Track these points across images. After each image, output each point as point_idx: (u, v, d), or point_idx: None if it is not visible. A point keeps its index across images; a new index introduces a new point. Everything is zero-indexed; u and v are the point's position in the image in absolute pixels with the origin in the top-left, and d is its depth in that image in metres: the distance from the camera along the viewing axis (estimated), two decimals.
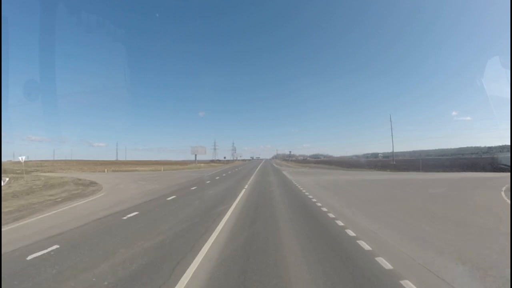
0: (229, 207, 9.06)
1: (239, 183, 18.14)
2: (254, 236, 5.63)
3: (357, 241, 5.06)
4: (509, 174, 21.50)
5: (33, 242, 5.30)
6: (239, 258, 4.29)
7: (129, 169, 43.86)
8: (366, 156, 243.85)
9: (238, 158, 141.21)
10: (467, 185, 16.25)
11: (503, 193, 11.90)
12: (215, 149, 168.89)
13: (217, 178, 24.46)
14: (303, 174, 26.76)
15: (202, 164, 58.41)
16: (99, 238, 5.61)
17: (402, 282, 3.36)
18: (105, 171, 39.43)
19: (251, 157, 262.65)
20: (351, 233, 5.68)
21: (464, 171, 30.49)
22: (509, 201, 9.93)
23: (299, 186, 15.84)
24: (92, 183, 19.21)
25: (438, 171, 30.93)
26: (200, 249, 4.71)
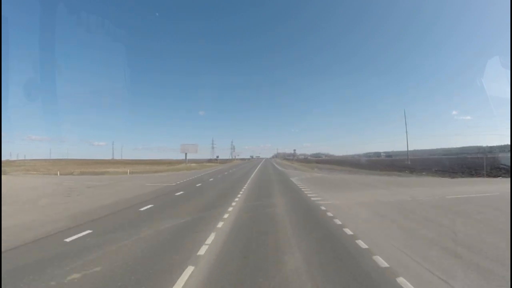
0: None
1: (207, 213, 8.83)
2: None
3: None
4: None
5: None
6: None
7: (102, 170, 38.31)
8: (368, 155, 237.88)
9: (236, 157, 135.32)
10: None
11: None
12: (213, 147, 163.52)
13: (180, 193, 13.89)
14: (326, 186, 15.79)
15: (193, 164, 52.85)
16: None
17: None
18: (71, 173, 34.04)
19: (250, 156, 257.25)
20: None
21: None
22: None
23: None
24: None
25: (474, 175, 24.99)
26: None
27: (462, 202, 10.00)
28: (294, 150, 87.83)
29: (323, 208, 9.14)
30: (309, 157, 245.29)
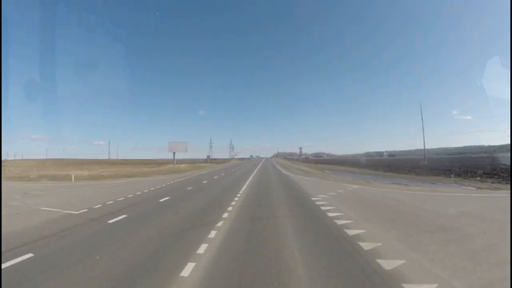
0: None
1: None
2: None
3: None
4: None
5: None
6: None
7: (64, 173, 31.49)
8: (369, 155, 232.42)
9: (235, 157, 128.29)
10: None
11: None
12: (210, 147, 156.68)
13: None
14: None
15: (183, 165, 46.08)
16: None
17: None
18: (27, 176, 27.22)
19: (250, 156, 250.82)
20: None
21: None
22: None
23: None
24: None
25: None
26: None
27: None
28: (300, 148, 76.59)
29: None
30: (310, 157, 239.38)
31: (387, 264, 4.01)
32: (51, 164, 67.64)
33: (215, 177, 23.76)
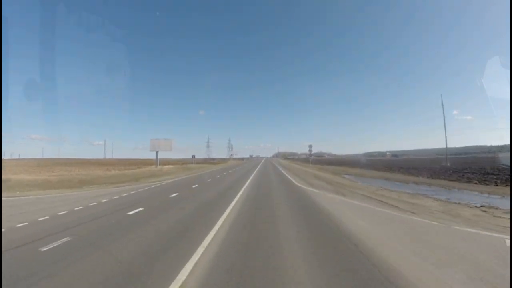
0: None
1: None
2: None
3: None
4: None
5: None
6: None
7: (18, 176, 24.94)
8: (371, 154, 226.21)
9: (233, 157, 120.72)
10: None
11: None
12: (208, 146, 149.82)
13: None
14: None
15: (167, 167, 38.96)
16: None
17: None
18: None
19: (250, 156, 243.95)
20: None
21: None
22: None
23: None
24: None
25: None
26: None
27: None
28: (310, 147, 43.40)
29: None
30: (311, 157, 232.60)
31: None
32: (44, 164, 61.21)
33: (199, 185, 16.69)
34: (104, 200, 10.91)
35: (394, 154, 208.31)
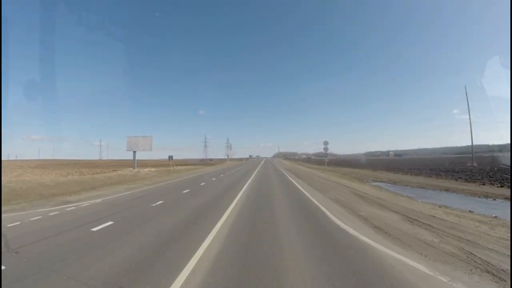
0: None
1: None
2: None
3: None
4: None
5: None
6: None
7: None
8: (374, 154, 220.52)
9: (229, 157, 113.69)
10: None
11: None
12: (205, 146, 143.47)
13: None
14: None
15: (147, 170, 32.26)
16: None
17: None
18: None
19: (249, 156, 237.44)
20: None
21: None
22: None
23: None
24: None
25: None
26: None
27: None
28: (326, 144, 25.70)
29: None
30: (312, 157, 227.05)
31: None
32: (38, 165, 55.49)
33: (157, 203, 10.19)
34: None
35: (398, 154, 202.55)
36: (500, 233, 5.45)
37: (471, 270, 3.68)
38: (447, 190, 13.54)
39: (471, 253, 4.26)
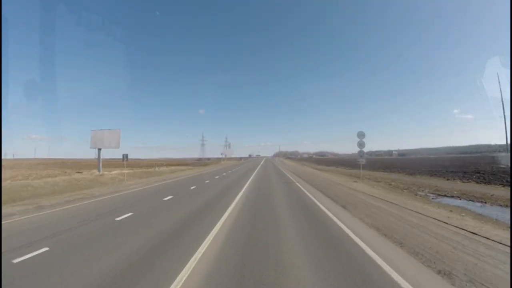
0: None
1: None
2: None
3: None
4: None
5: None
6: None
7: None
8: (377, 154, 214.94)
9: (228, 156, 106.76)
10: None
11: None
12: (202, 144, 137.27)
13: None
14: None
15: (116, 173, 25.66)
16: None
17: None
18: None
19: (249, 155, 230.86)
20: None
21: None
22: None
23: None
24: None
25: None
26: None
27: None
28: (361, 136, 13.81)
29: None
30: (313, 156, 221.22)
31: None
32: (24, 165, 49.86)
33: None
34: None
35: (401, 154, 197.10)
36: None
37: None
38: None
39: None
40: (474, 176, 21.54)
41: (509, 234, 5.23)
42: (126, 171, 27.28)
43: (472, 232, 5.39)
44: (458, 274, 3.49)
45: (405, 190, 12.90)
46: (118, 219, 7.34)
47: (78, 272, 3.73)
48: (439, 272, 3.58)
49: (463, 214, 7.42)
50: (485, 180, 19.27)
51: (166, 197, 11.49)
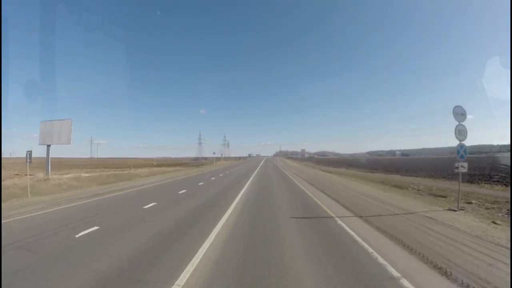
0: None
1: None
2: None
3: None
4: None
5: None
6: None
7: None
8: (379, 153, 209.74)
9: (226, 156, 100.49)
10: None
11: None
12: (200, 143, 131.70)
13: None
14: None
15: (68, 177, 19.84)
16: None
17: None
18: None
19: (248, 155, 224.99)
20: None
21: None
22: None
23: None
24: None
25: None
26: None
27: None
28: (460, 115, 6.57)
29: None
30: (314, 156, 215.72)
31: None
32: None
33: None
34: None
35: (404, 154, 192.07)
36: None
37: None
38: None
39: None
40: None
41: None
42: (86, 174, 21.57)
43: None
44: None
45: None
46: None
47: None
48: None
49: None
50: None
51: (85, 231, 5.87)
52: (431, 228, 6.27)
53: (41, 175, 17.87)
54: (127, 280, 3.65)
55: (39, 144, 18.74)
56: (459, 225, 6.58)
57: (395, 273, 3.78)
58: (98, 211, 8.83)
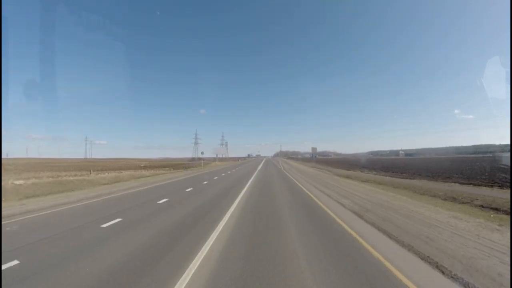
0: None
1: None
2: None
3: None
4: None
5: None
6: None
7: None
8: (381, 153, 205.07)
9: (224, 156, 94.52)
10: None
11: None
12: (196, 143, 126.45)
13: None
14: None
15: (18, 182, 15.41)
16: None
17: None
18: None
19: (248, 155, 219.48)
20: None
21: None
22: None
23: None
24: None
25: None
26: None
27: None
28: None
29: None
30: (316, 156, 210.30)
31: None
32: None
33: None
34: None
35: (408, 153, 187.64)
36: None
37: None
38: None
39: None
40: None
41: None
42: (19, 182, 15.88)
43: None
44: None
45: None
46: None
47: None
48: None
49: None
50: None
51: None
52: None
53: None
54: None
55: None
56: None
57: None
58: None
